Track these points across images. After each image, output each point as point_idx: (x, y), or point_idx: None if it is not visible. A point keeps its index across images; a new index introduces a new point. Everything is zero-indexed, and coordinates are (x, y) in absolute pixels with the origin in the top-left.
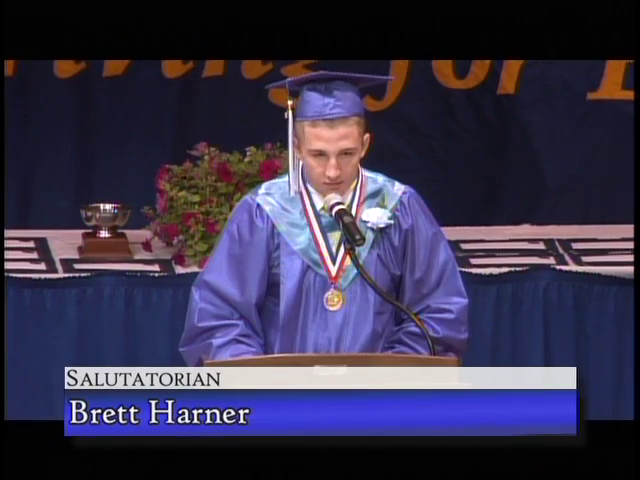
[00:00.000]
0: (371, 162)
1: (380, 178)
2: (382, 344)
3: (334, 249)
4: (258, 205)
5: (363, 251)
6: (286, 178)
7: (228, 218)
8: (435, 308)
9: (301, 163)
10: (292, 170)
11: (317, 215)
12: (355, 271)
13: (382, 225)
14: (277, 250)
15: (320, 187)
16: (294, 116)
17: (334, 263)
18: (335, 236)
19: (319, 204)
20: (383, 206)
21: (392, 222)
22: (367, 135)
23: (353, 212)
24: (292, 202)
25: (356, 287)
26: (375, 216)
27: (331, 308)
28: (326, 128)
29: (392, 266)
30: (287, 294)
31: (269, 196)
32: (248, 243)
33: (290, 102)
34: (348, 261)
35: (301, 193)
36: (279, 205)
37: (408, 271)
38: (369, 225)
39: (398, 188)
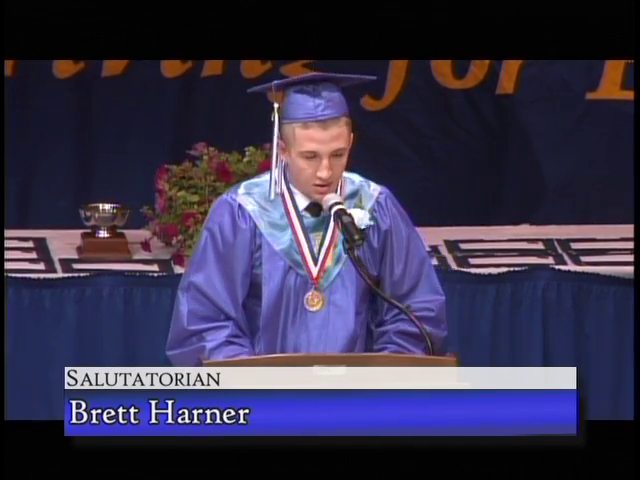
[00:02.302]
0: (369, 161)
1: (357, 179)
2: (359, 345)
3: (316, 250)
4: (240, 206)
5: (343, 252)
6: (265, 178)
7: (206, 218)
8: (415, 307)
9: (283, 164)
10: (275, 173)
11: (299, 216)
12: (336, 272)
13: (363, 226)
14: (259, 250)
15: (309, 189)
16: (280, 118)
17: (315, 264)
18: (317, 237)
19: (302, 205)
20: (360, 207)
21: (372, 223)
22: (351, 135)
23: None
24: (272, 202)
25: (337, 288)
26: (356, 217)
27: (311, 309)
28: (319, 129)
29: (370, 267)
30: (268, 295)
31: (249, 196)
32: (232, 245)
33: (276, 105)
34: (329, 262)
35: (283, 194)
36: (259, 205)
37: (387, 271)
38: None
39: (374, 189)
